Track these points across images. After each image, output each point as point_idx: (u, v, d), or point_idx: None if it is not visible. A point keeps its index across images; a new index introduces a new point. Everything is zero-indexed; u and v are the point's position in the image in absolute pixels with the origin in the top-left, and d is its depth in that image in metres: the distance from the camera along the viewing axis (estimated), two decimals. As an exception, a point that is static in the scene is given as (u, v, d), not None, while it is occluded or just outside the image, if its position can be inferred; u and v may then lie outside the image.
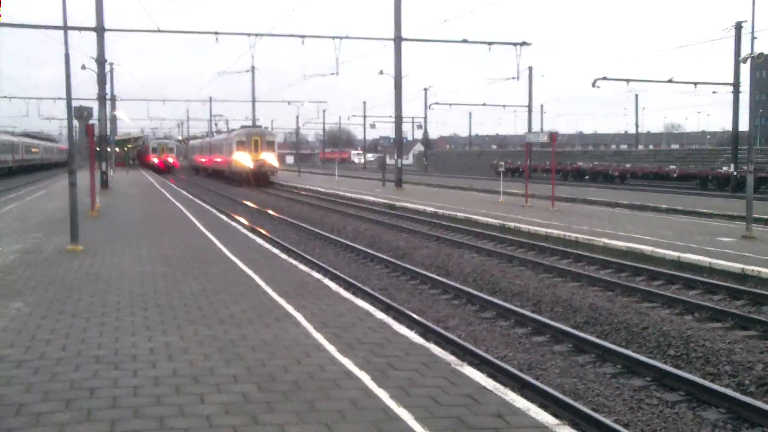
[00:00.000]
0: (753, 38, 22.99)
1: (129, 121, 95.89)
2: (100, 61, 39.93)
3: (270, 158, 54.97)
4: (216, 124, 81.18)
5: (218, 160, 65.62)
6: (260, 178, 53.81)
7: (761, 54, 20.88)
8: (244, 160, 54.26)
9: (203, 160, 77.64)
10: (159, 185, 48.09)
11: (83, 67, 44.48)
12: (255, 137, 55.07)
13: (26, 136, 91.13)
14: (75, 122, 22.34)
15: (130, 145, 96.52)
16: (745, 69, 35.81)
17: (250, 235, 20.33)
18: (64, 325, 9.32)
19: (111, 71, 54.74)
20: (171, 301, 10.90)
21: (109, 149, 49.01)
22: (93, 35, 39.29)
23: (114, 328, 9.19)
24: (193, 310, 10.29)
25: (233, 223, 23.46)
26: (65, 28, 18.03)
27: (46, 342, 8.52)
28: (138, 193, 38.62)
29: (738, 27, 42.44)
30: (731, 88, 46.13)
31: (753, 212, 20.53)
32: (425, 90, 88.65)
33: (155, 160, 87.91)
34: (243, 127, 60.25)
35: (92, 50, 40.39)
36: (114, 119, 64.52)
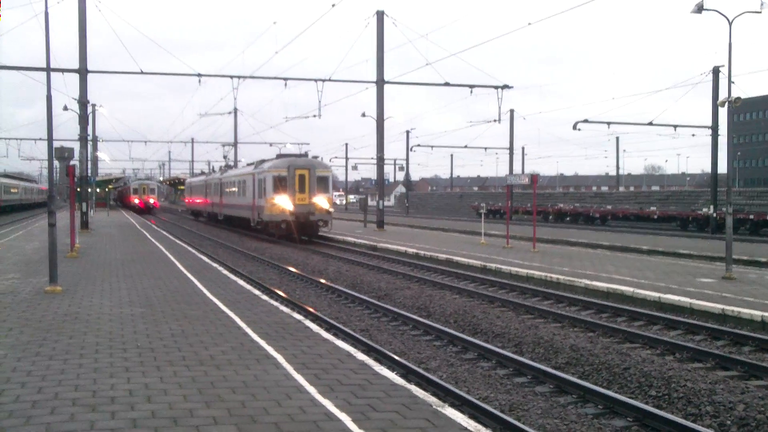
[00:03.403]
0: (730, 83, 23.27)
1: (110, 161, 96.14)
2: (83, 102, 39.87)
3: (322, 202, 38.81)
4: (225, 157, 73.66)
5: (238, 203, 47.90)
6: (307, 230, 38.96)
7: (738, 98, 21.20)
8: (283, 203, 38.14)
9: (210, 202, 60.08)
10: (140, 226, 47.84)
11: (65, 108, 44.53)
12: (300, 171, 38.73)
13: (5, 176, 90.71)
14: (56, 163, 22.28)
15: (111, 186, 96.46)
16: (723, 113, 36.40)
17: (231, 276, 20.24)
18: (41, 367, 9.18)
19: (93, 112, 54.64)
20: (151, 342, 10.79)
21: (89, 190, 48.74)
22: (75, 76, 39.34)
23: (92, 370, 9.08)
24: (172, 351, 10.20)
25: (214, 264, 23.33)
26: (48, 69, 18.02)
27: (22, 384, 8.39)
28: (118, 234, 38.37)
29: (716, 71, 43.13)
30: (710, 131, 46.80)
31: (732, 253, 20.71)
32: (407, 132, 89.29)
33: (136, 201, 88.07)
34: (280, 156, 42.37)
35: (74, 90, 40.47)
36: (95, 160, 64.20)
